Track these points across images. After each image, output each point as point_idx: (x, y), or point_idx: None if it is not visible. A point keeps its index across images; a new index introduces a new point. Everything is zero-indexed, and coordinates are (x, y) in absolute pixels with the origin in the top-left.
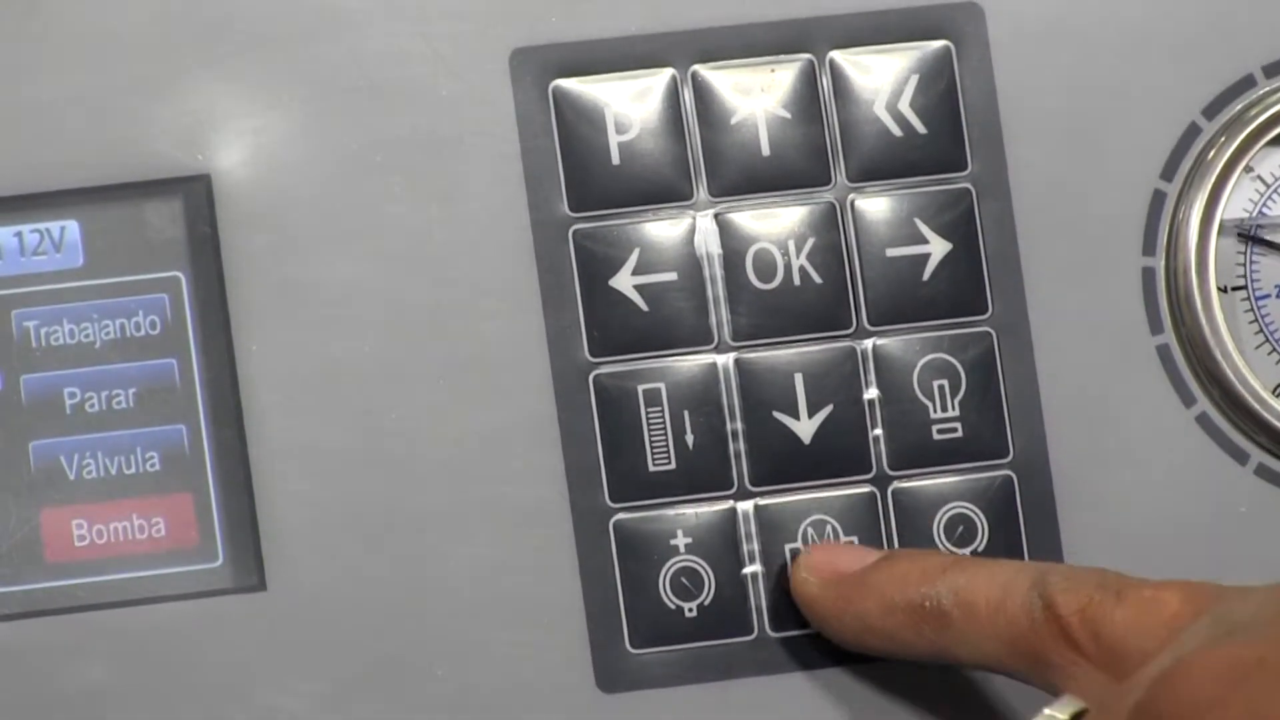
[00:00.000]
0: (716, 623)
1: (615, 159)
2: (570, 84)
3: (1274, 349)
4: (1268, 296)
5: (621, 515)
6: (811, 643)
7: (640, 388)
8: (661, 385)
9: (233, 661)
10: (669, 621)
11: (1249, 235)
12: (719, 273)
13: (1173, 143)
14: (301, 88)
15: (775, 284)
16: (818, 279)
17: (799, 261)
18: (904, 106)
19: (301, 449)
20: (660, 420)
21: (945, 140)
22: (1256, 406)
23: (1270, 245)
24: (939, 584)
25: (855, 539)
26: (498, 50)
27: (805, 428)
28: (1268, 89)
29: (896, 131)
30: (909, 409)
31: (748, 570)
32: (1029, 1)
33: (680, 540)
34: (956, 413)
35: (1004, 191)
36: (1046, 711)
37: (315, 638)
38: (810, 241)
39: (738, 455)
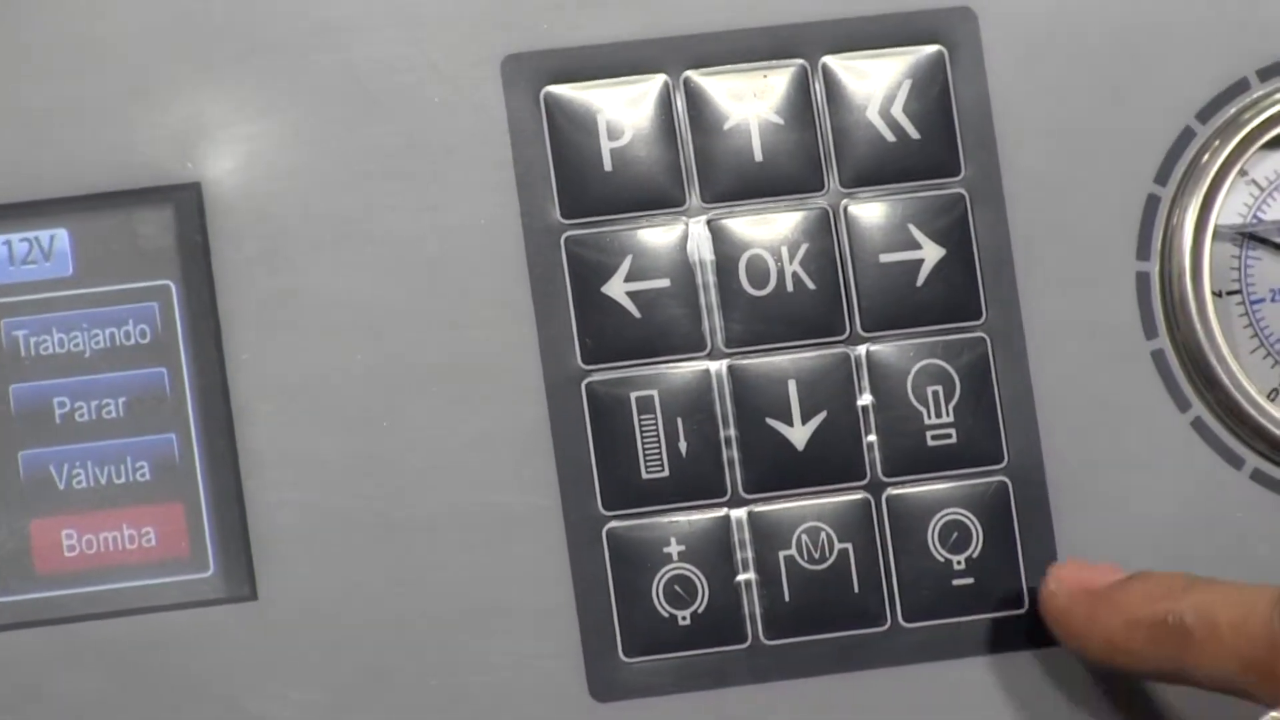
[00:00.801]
0: (710, 631)
1: (607, 165)
2: (562, 90)
3: (1269, 353)
4: (1263, 301)
5: (614, 523)
6: (805, 651)
7: (633, 395)
8: (654, 392)
9: (224, 672)
10: (662, 630)
11: (1247, 235)
12: (712, 279)
13: (1167, 147)
14: (292, 96)
15: (768, 290)
16: (811, 285)
17: (792, 268)
18: (897, 111)
19: (293, 458)
20: (653, 428)
21: (938, 145)
22: (1252, 411)
23: (1268, 244)
24: (1182, 601)
25: (850, 546)
26: (490, 57)
27: (799, 434)
28: (1262, 93)
29: (890, 137)
30: (903, 415)
31: (741, 578)
32: (1022, 6)
33: (673, 548)
34: (950, 419)
35: (998, 196)
36: (1272, 714)
37: (307, 647)
38: (803, 247)
39: (731, 462)
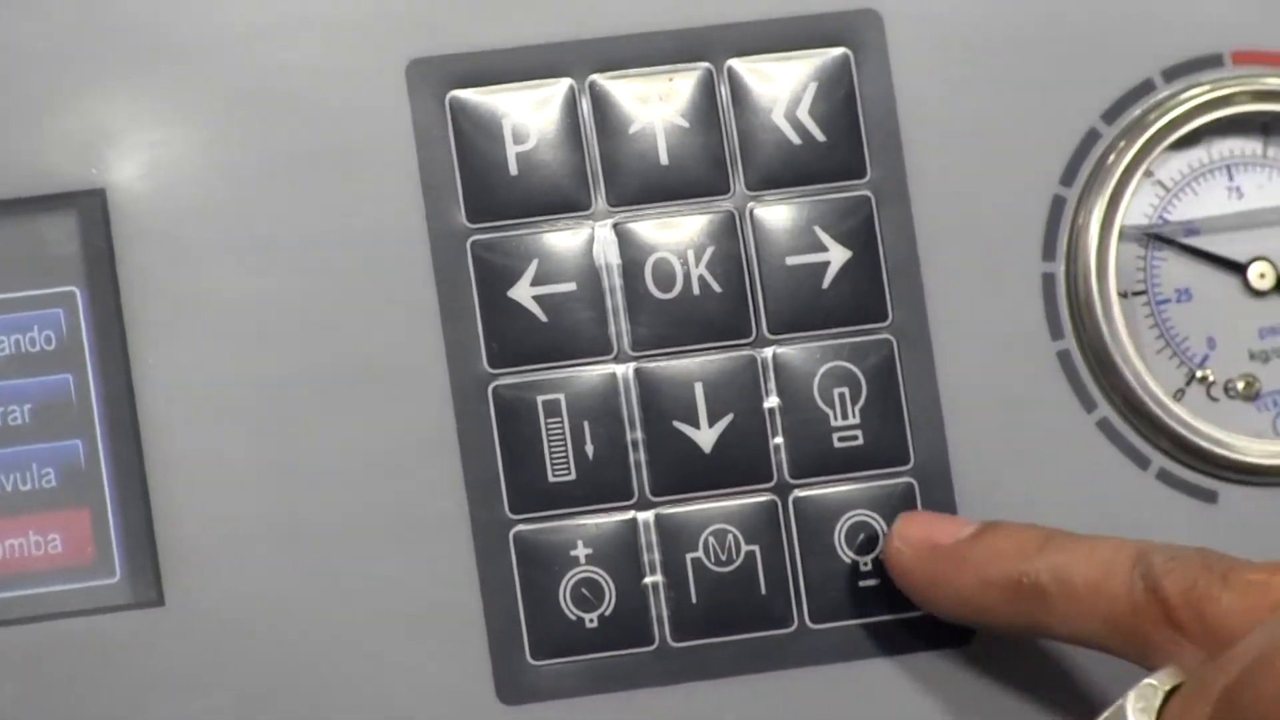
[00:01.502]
0: (617, 633)
1: (513, 169)
2: (468, 94)
3: (1175, 354)
4: (1168, 301)
5: (521, 527)
6: (712, 652)
7: (540, 399)
8: (561, 396)
9: (131, 677)
10: (570, 632)
11: (1152, 236)
12: (618, 283)
13: (1072, 148)
14: (197, 101)
15: (675, 293)
16: (717, 288)
17: (698, 271)
18: (803, 114)
19: (199, 463)
20: (560, 431)
21: (844, 148)
22: (1158, 411)
23: (1174, 244)
24: (1037, 561)
25: (757, 548)
26: (395, 61)
27: (706, 437)
28: (1167, 93)
29: (795, 139)
30: (809, 417)
31: (648, 580)
32: (928, 8)
33: (580, 551)
34: (857, 420)
35: (903, 198)
36: (1146, 682)
37: (214, 652)
38: (709, 250)
39: (638, 465)
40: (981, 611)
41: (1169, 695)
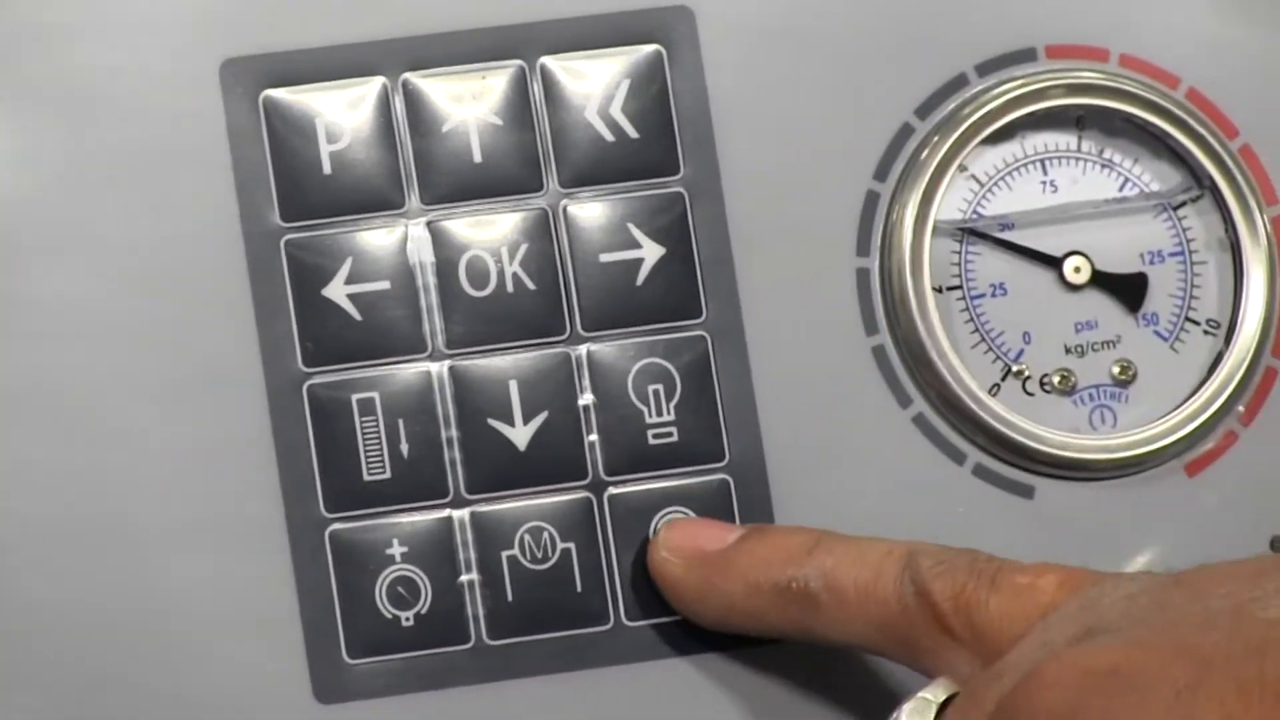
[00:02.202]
0: (433, 632)
1: (327, 168)
2: (281, 94)
3: (990, 348)
4: (983, 296)
5: (337, 525)
6: (529, 650)
7: (354, 397)
8: (376, 395)
9: None
10: (386, 631)
11: (967, 230)
12: (432, 281)
13: (886, 143)
14: (9, 101)
15: (489, 291)
16: (531, 285)
17: (512, 268)
18: (615, 111)
19: (14, 465)
20: (375, 430)
21: (657, 144)
22: (973, 406)
23: (988, 239)
24: (806, 566)
25: (572, 545)
26: (208, 61)
27: (520, 435)
28: (980, 88)
29: (608, 137)
30: (624, 414)
31: (464, 578)
32: (740, 4)
33: (396, 549)
34: (672, 417)
35: (717, 195)
36: (920, 695)
37: (28, 657)
38: (523, 248)
39: (453, 463)
40: (752, 618)
41: (944, 706)
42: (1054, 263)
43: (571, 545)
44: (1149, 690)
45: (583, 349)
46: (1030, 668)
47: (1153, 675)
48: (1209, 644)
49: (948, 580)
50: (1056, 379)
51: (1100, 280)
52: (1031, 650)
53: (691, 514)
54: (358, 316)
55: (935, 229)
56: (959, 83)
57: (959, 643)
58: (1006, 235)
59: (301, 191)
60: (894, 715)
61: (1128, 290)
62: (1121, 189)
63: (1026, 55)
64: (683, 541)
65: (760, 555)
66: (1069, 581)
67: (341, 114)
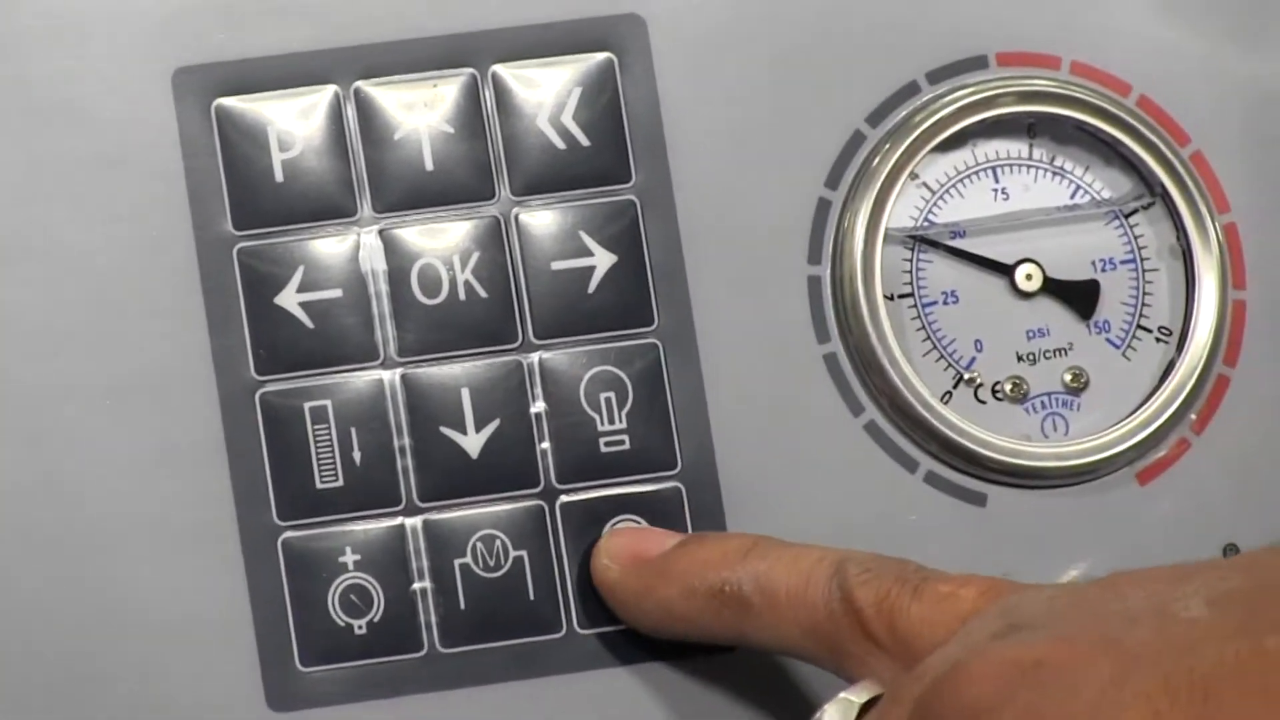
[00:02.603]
0: (386, 640)
1: (279, 176)
2: (233, 102)
3: (942, 356)
4: (935, 304)
5: (290, 533)
6: (482, 658)
7: (307, 405)
8: (328, 403)
9: None
10: (338, 639)
11: (918, 238)
12: (384, 289)
13: (838, 150)
14: None
15: (441, 299)
16: (483, 293)
17: (464, 276)
18: (567, 119)
19: None
20: (327, 437)
21: (609, 152)
22: (925, 414)
23: (940, 247)
24: (740, 570)
25: (525, 553)
26: (160, 69)
27: (473, 442)
28: (931, 95)
29: (560, 145)
30: (576, 422)
31: (417, 586)
32: (691, 12)
33: (349, 557)
34: (624, 425)
35: (668, 203)
36: (842, 696)
37: None
38: (475, 256)
39: (405, 471)
40: (688, 622)
41: (865, 708)
42: (1005, 270)
43: (524, 553)
44: (1075, 683)
45: (535, 357)
46: (950, 665)
47: (1078, 669)
48: (1134, 640)
49: (873, 587)
50: (1008, 386)
51: (1052, 288)
52: (952, 652)
53: (643, 522)
54: (310, 324)
55: (887, 236)
56: (910, 90)
57: (882, 649)
58: (958, 243)
59: (254, 200)
60: (816, 715)
61: (1079, 298)
62: (1073, 196)
63: (978, 63)
64: (623, 548)
65: (697, 559)
66: (990, 591)
67: (293, 122)
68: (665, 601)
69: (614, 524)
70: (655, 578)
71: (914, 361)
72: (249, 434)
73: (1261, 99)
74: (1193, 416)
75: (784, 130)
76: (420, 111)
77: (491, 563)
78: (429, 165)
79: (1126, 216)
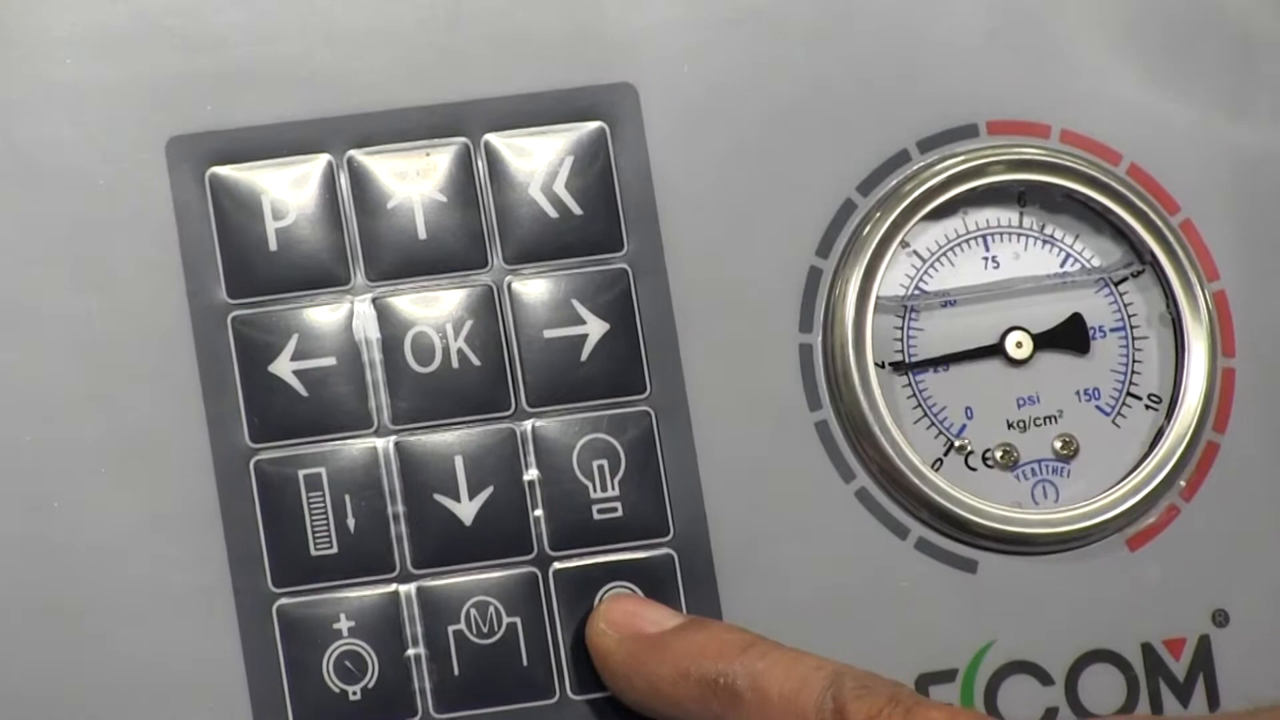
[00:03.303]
0: (381, 706)
1: (273, 245)
2: (226, 171)
3: (932, 423)
4: (925, 372)
5: (284, 600)
6: None
7: (301, 473)
8: (322, 470)
9: None
10: (332, 705)
11: (909, 306)
12: (378, 357)
13: (829, 219)
14: None
15: (434, 367)
16: (476, 361)
17: (457, 344)
18: (559, 188)
19: None
20: (321, 504)
21: (601, 221)
22: (916, 481)
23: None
24: (736, 664)
25: (518, 619)
26: (154, 138)
27: (466, 510)
28: (922, 164)
29: (552, 213)
30: (569, 489)
31: (411, 652)
32: (683, 81)
33: (343, 624)
34: (616, 492)
35: (660, 271)
36: None
37: None
38: (468, 324)
39: (399, 538)
40: (673, 705)
41: None
42: (995, 350)
43: (517, 619)
44: None
45: (527, 424)
46: None
47: None
48: None
49: (866, 702)
50: (999, 454)
51: (1042, 344)
52: None
53: (636, 589)
54: (304, 392)
55: (878, 305)
56: (901, 159)
57: None
58: (948, 311)
59: (248, 268)
60: None
61: (1069, 337)
62: (1063, 264)
63: (968, 131)
64: (622, 618)
65: (695, 644)
66: None
67: (287, 191)
68: (655, 680)
69: (606, 590)
70: (650, 654)
71: (905, 429)
72: (244, 500)
73: (1250, 168)
74: (1182, 483)
75: (775, 199)
76: (413, 180)
77: (485, 629)
78: (422, 234)
79: (1116, 284)
